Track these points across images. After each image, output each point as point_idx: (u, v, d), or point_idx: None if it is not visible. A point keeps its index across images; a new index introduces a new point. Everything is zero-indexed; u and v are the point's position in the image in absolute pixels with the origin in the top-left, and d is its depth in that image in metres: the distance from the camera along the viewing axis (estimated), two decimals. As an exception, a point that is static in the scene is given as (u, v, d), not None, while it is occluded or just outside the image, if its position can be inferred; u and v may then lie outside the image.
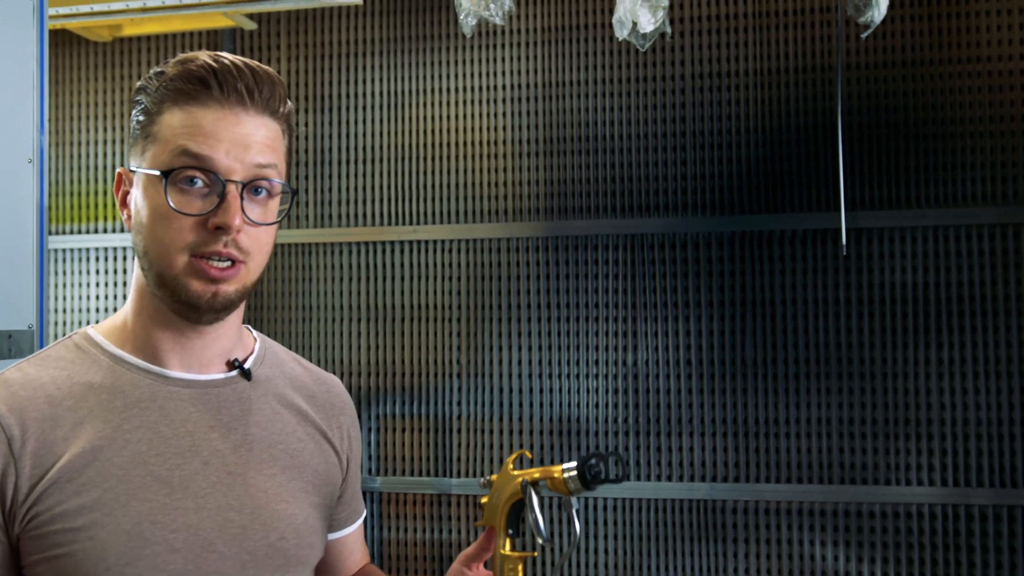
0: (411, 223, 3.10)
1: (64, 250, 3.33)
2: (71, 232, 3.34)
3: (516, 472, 1.13)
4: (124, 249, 3.29)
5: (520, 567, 1.13)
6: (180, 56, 1.07)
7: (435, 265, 3.08)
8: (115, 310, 3.26)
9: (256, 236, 1.07)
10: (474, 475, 3.00)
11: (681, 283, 2.92)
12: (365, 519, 1.39)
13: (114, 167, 3.32)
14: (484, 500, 1.15)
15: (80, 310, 3.31)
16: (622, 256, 2.96)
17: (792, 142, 2.88)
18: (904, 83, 2.82)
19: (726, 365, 2.87)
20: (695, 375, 2.89)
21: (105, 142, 3.34)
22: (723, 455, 2.85)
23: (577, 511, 1.13)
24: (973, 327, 2.74)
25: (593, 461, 1.11)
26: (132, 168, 1.07)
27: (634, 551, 2.89)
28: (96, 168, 3.33)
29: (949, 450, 2.73)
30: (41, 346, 2.42)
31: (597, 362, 2.96)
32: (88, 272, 3.31)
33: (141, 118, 1.06)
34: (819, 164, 2.85)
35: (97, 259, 3.31)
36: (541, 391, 2.98)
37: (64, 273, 3.34)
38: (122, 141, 3.32)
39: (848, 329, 2.80)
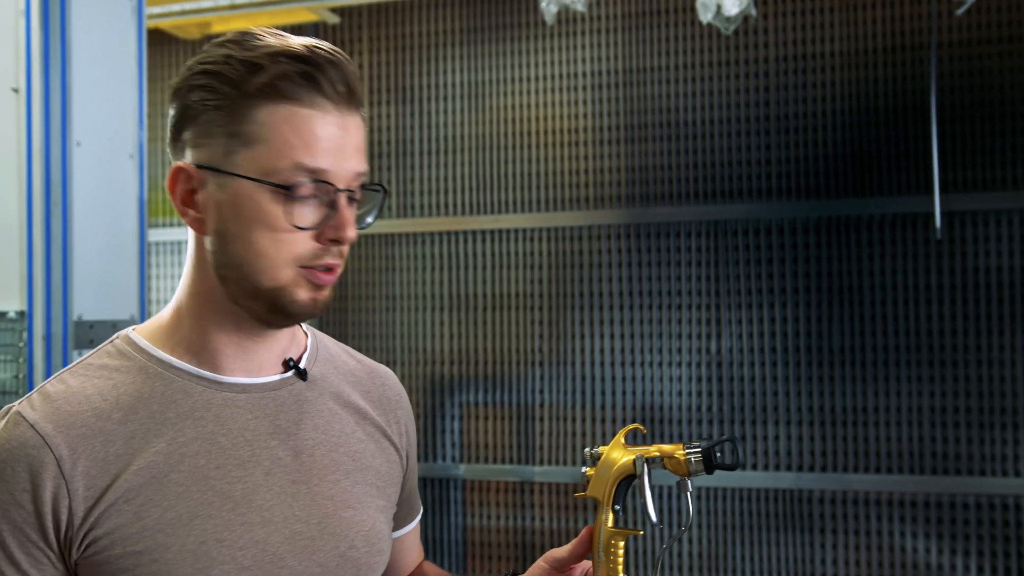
0: (493, 212, 3.12)
1: (160, 243, 3.45)
2: (166, 226, 3.44)
3: (631, 447, 1.08)
4: (215, 241, 3.38)
5: (622, 544, 1.08)
6: (249, 35, 0.97)
7: (518, 254, 3.10)
8: (208, 300, 3.36)
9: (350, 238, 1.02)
10: (557, 463, 3.01)
11: (766, 270, 2.88)
12: (431, 511, 1.34)
13: (205, 161, 3.41)
14: (590, 472, 1.10)
15: (175, 300, 3.41)
16: (706, 243, 2.93)
17: (882, 124, 2.81)
18: (999, 61, 2.73)
19: (812, 353, 2.82)
20: (780, 363, 2.85)
21: (196, 137, 3.44)
22: (810, 444, 2.81)
23: (692, 494, 1.07)
24: (1074, 313, 2.64)
25: (721, 445, 1.07)
26: (210, 166, 0.96)
27: (719, 541, 2.87)
28: (188, 162, 3.43)
29: (1048, 440, 2.64)
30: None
31: (680, 350, 2.94)
32: (182, 264, 3.41)
33: (218, 112, 0.95)
34: (910, 146, 2.78)
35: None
36: (624, 379, 2.98)
37: (160, 265, 3.46)
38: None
39: (940, 315, 2.73)
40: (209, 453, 0.98)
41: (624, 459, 1.07)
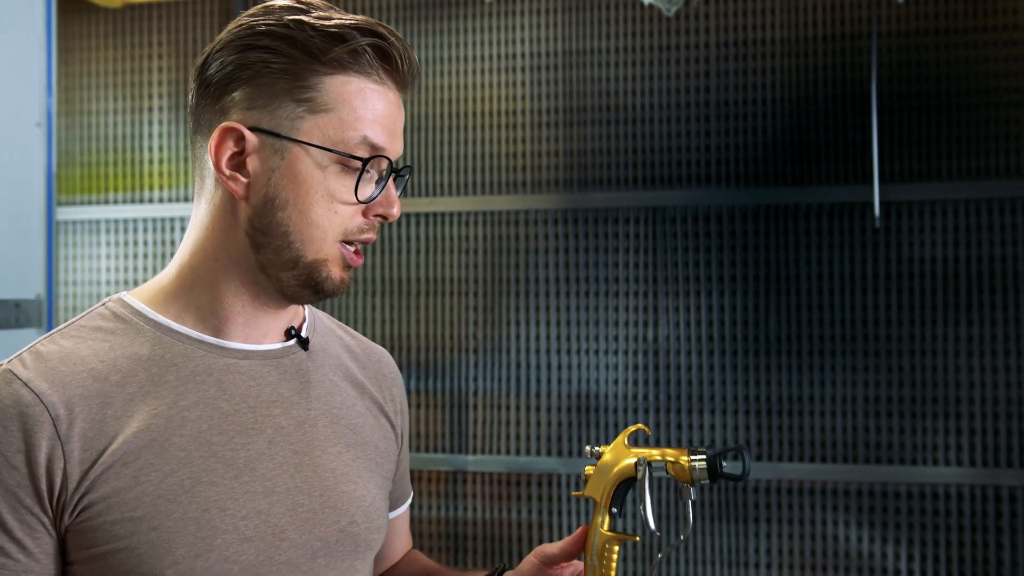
0: (428, 195, 3.04)
1: (74, 222, 3.28)
2: (81, 204, 3.28)
3: (633, 449, 1.05)
4: (135, 220, 3.23)
5: (617, 549, 1.05)
6: (308, 5, 0.96)
7: (452, 238, 3.02)
8: (127, 282, 3.22)
9: None
10: (491, 452, 2.95)
11: (704, 257, 2.85)
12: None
13: (126, 137, 3.26)
14: (589, 471, 1.07)
15: (91, 282, 3.26)
16: (644, 229, 2.90)
17: (821, 113, 2.80)
18: (940, 52, 2.74)
19: (749, 341, 2.81)
20: (717, 351, 2.83)
21: (116, 111, 3.28)
22: (745, 433, 2.80)
23: (694, 502, 1.04)
24: (1005, 304, 2.67)
25: (729, 454, 1.03)
26: (270, 131, 0.93)
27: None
28: (107, 138, 3.27)
29: (978, 429, 2.67)
30: (50, 317, 2.37)
31: (617, 338, 2.90)
32: (99, 244, 3.26)
33: (282, 76, 0.92)
34: (849, 135, 2.78)
35: (108, 231, 3.25)
36: (560, 367, 2.93)
37: (74, 245, 3.29)
38: (133, 110, 3.26)
39: (876, 305, 2.74)
40: (211, 418, 0.95)
41: (625, 461, 1.03)
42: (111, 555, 0.89)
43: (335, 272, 0.98)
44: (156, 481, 0.90)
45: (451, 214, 3.02)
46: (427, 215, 3.04)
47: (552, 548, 1.05)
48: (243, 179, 0.95)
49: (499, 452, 2.95)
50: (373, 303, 3.07)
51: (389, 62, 0.95)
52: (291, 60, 0.92)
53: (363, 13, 3.10)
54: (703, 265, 2.85)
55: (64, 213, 3.26)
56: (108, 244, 3.25)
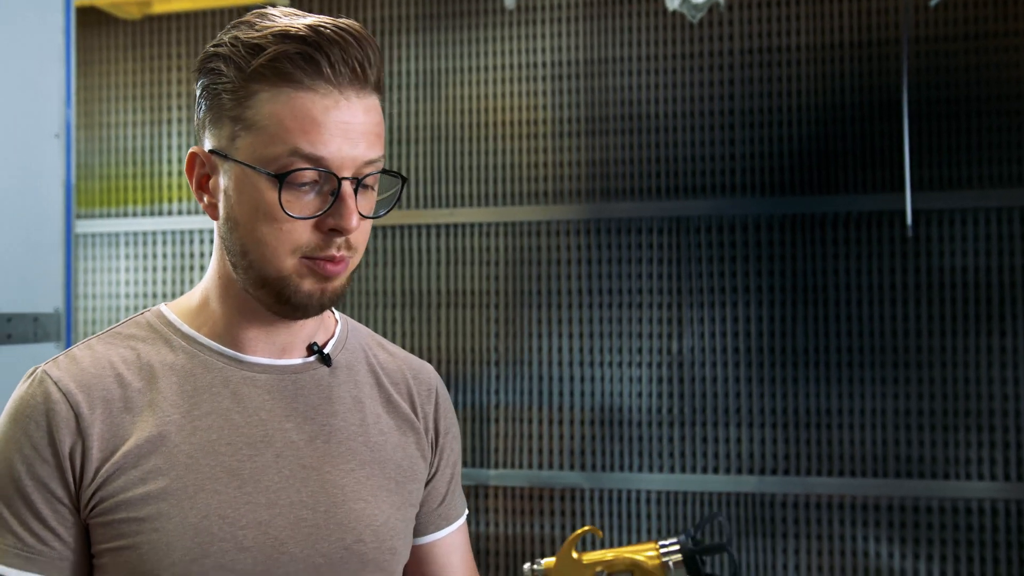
0: (449, 206, 3.01)
1: (93, 235, 3.27)
2: (101, 216, 3.27)
3: (587, 558, 0.90)
4: (154, 234, 3.22)
5: None
6: (260, 16, 0.95)
7: (473, 249, 2.99)
8: (146, 296, 3.20)
9: (363, 228, 0.98)
10: (512, 467, 2.91)
11: (729, 268, 2.81)
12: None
13: (144, 149, 3.25)
14: None
15: (111, 295, 3.24)
16: (667, 240, 2.86)
17: (851, 119, 2.75)
18: (973, 56, 2.69)
19: (776, 353, 2.76)
20: (743, 363, 2.78)
21: (135, 124, 3.27)
22: (772, 447, 2.75)
23: None
24: (1040, 314, 2.61)
25: (702, 538, 0.87)
26: (218, 152, 0.95)
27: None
28: (126, 151, 3.26)
29: (1012, 443, 2.61)
30: (68, 331, 2.35)
31: (641, 350, 2.86)
32: (118, 257, 3.25)
33: (225, 96, 0.94)
34: (879, 142, 2.73)
35: (127, 244, 3.24)
36: (582, 380, 2.89)
37: (94, 258, 3.28)
38: (152, 123, 3.25)
39: (906, 316, 2.69)
40: (221, 429, 0.97)
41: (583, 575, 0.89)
42: (118, 552, 0.93)
43: (304, 285, 0.96)
44: (161, 485, 0.93)
45: (472, 225, 2.99)
46: (448, 226, 3.01)
47: None
48: (212, 200, 0.98)
49: (521, 466, 2.91)
50: (393, 315, 3.04)
51: (317, 66, 0.91)
52: (228, 79, 0.93)
53: (380, 23, 3.08)
54: (728, 275, 2.80)
55: (83, 226, 3.25)
56: (127, 257, 3.24)
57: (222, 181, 0.96)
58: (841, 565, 2.69)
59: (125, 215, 3.25)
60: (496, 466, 2.92)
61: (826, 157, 2.76)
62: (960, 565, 2.62)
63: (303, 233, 0.94)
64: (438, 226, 3.02)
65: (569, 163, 2.94)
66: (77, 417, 0.93)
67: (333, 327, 1.11)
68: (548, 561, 0.90)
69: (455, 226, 3.01)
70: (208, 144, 0.97)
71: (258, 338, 1.02)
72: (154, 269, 3.21)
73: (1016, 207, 2.63)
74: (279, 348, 1.03)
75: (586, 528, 0.93)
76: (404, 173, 3.05)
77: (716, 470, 2.77)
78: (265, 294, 0.97)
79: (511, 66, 2.98)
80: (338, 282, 0.98)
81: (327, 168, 0.92)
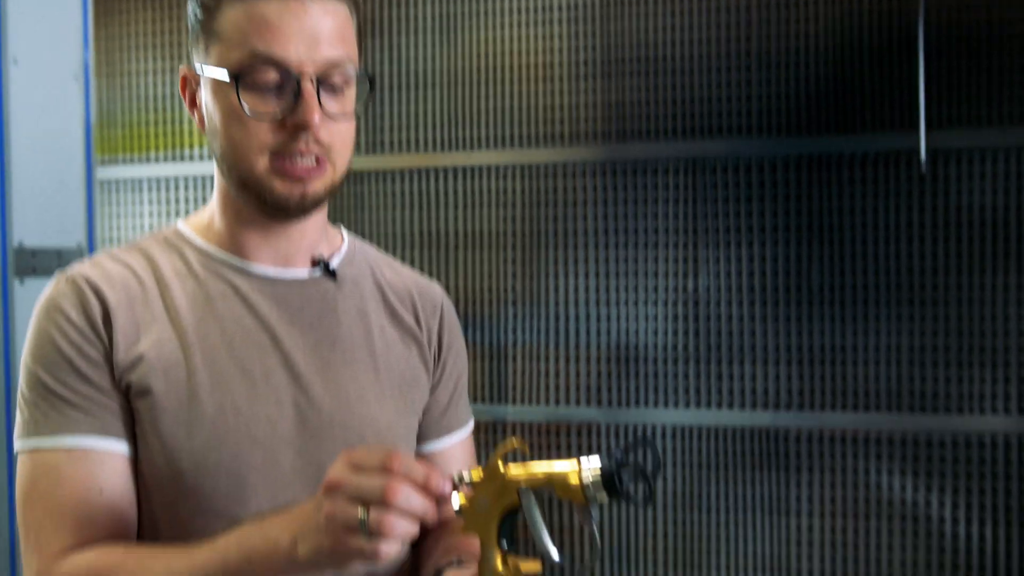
0: (465, 149, 3.04)
1: (117, 181, 3.31)
2: (123, 163, 3.31)
3: (511, 472, 0.87)
4: (176, 179, 3.26)
5: None
6: None
7: (490, 191, 3.02)
8: (168, 238, 3.24)
9: (336, 130, 1.03)
10: (530, 403, 2.95)
11: (745, 208, 2.82)
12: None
13: (165, 96, 3.28)
14: (463, 503, 0.89)
15: (133, 239, 3.29)
16: (684, 180, 2.87)
17: (866, 57, 2.75)
18: (987, -8, 2.67)
19: (791, 291, 2.78)
20: (758, 302, 2.81)
21: (156, 72, 3.29)
22: (787, 382, 2.78)
23: (596, 523, 0.87)
24: (1055, 249, 2.62)
25: (625, 459, 0.84)
26: (197, 68, 1.04)
27: (693, 480, 2.84)
28: (147, 98, 3.29)
29: (1026, 378, 2.63)
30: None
31: (656, 289, 2.88)
32: (141, 203, 3.29)
33: (199, 14, 1.02)
34: (894, 80, 2.73)
35: (150, 189, 3.28)
36: (598, 318, 2.92)
37: (117, 203, 3.32)
38: (172, 70, 3.28)
39: (921, 254, 2.70)
40: (234, 332, 1.04)
41: (506, 489, 0.88)
42: (142, 437, 0.99)
43: (277, 187, 1.02)
44: (182, 379, 1.00)
45: (488, 167, 3.01)
46: (464, 168, 3.03)
47: None
48: (200, 115, 1.07)
49: (538, 403, 2.96)
50: (411, 256, 3.07)
51: None
52: (201, 2, 1.02)
53: (400, -34, 3.09)
54: (744, 216, 2.82)
55: (106, 172, 3.29)
56: (150, 202, 3.28)
57: (203, 94, 1.04)
58: (854, 498, 2.73)
59: (147, 161, 3.29)
60: (514, 402, 2.96)
61: (842, 96, 2.76)
62: (972, 498, 2.65)
63: (269, 132, 0.99)
64: (455, 168, 3.04)
65: (585, 105, 2.95)
66: (103, 304, 1.00)
67: (340, 244, 1.19)
68: (475, 471, 0.89)
69: (472, 168, 3.03)
70: (195, 61, 1.05)
71: (259, 245, 1.08)
72: (176, 213, 3.26)
73: (1033, 143, 2.63)
74: (282, 257, 1.09)
75: (512, 442, 0.90)
76: (420, 117, 3.08)
77: (731, 405, 2.81)
78: (248, 197, 1.04)
79: (526, 9, 2.99)
80: (317, 185, 1.03)
81: (284, 65, 0.97)
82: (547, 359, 2.96)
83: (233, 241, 1.09)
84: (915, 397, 2.69)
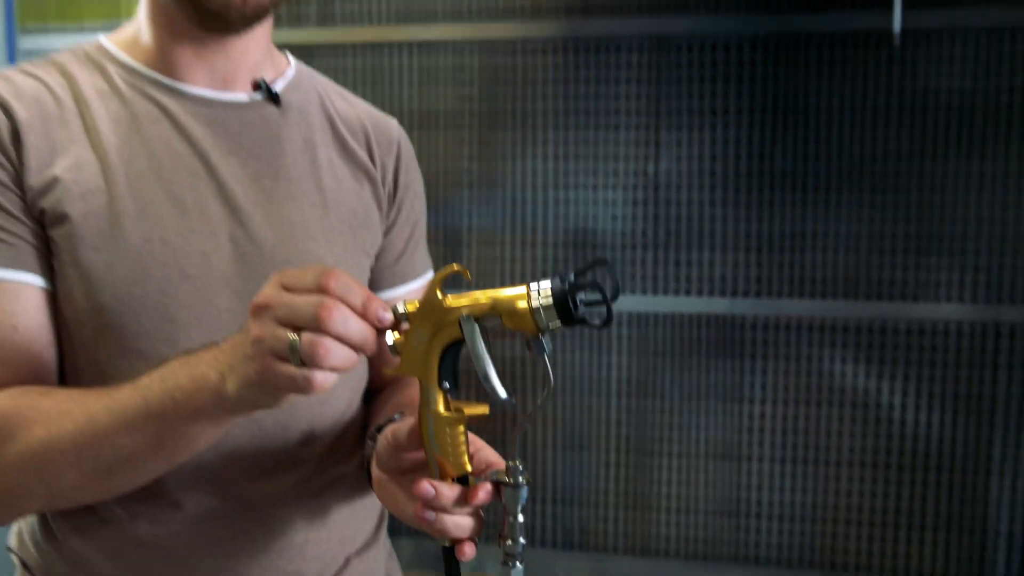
0: (421, 22, 2.89)
1: (44, 51, 3.12)
2: (52, 32, 3.11)
3: (450, 300, 0.76)
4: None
5: (462, 430, 0.79)
6: None
7: (447, 68, 2.89)
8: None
9: None
10: (484, 286, 2.89)
11: (710, 89, 2.73)
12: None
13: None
14: (397, 339, 0.77)
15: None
16: (647, 59, 2.77)
17: (841, -70, 2.63)
18: None
19: (753, 176, 2.73)
20: (720, 186, 2.75)
21: (87, -68, 3.07)
22: (745, 269, 2.75)
23: (549, 355, 0.75)
24: (1019, 136, 2.58)
25: (579, 280, 0.73)
26: None
27: (649, 367, 2.83)
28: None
29: (983, 266, 2.62)
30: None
31: (617, 172, 2.81)
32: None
33: None
34: (868, -44, 2.62)
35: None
36: (557, 202, 2.85)
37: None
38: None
39: (887, 139, 2.65)
40: (162, 156, 0.93)
41: (446, 319, 0.77)
42: (60, 270, 0.90)
43: None
44: (102, 203, 0.90)
45: (445, 43, 2.88)
46: (420, 44, 2.89)
47: (400, 435, 0.83)
48: None
49: (495, 288, 2.89)
50: (364, 135, 2.95)
51: None
52: None
53: None
54: (708, 97, 2.74)
55: (31, 42, 3.10)
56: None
57: None
58: (807, 385, 2.74)
59: (80, 31, 3.10)
60: (468, 287, 2.90)
61: (815, -30, 2.65)
62: (923, 385, 2.68)
63: None
64: (411, 44, 2.90)
65: (547, -24, 2.80)
66: (12, 121, 0.89)
67: (285, 68, 1.06)
68: (411, 303, 0.77)
69: (428, 44, 2.89)
70: None
71: (193, 63, 0.96)
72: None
73: (1008, 27, 2.56)
74: (220, 78, 0.98)
75: (452, 267, 0.78)
76: (374, -15, 2.91)
77: (688, 292, 2.78)
78: (181, 3, 0.92)
79: None
80: None
81: None
82: (503, 244, 2.89)
83: (163, 58, 0.96)
84: (872, 284, 2.68)
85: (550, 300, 0.74)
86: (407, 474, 0.84)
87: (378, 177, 1.06)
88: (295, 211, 0.98)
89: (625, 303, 2.80)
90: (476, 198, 2.89)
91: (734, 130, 2.72)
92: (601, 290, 0.73)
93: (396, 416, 0.94)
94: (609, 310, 0.74)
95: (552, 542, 2.91)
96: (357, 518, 1.06)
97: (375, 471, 0.89)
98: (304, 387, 0.72)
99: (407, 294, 1.11)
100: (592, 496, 2.89)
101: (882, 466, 2.71)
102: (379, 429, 0.93)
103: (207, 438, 0.83)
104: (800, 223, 2.71)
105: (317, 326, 0.71)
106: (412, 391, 1.04)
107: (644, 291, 2.81)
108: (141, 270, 0.89)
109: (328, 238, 0.99)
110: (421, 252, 1.15)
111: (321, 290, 0.72)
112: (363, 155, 1.05)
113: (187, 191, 0.93)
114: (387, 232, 1.08)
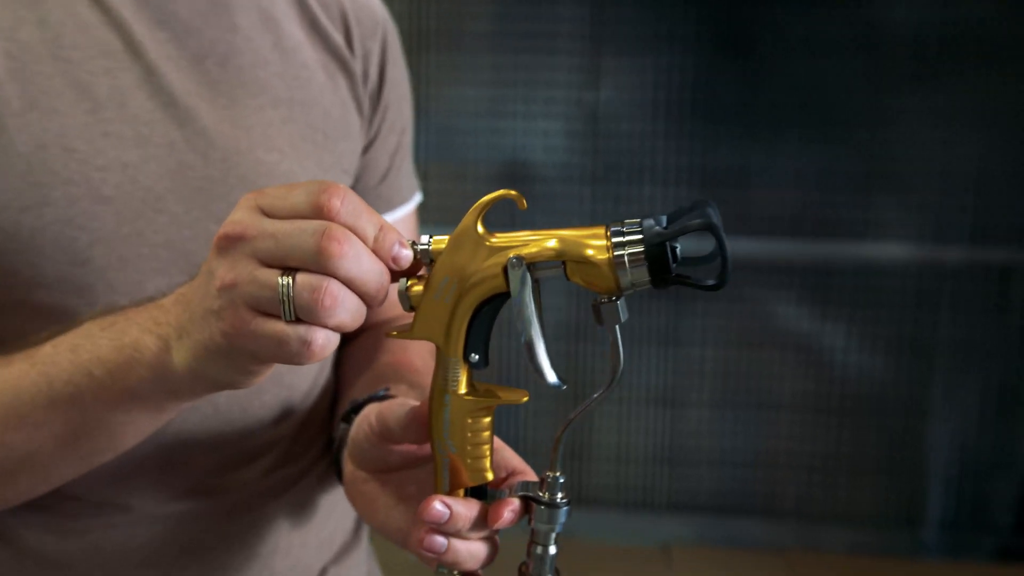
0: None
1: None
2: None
3: (498, 238, 0.55)
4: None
5: (488, 422, 0.58)
6: None
7: (366, -19, 2.62)
8: None
9: None
10: (410, 224, 2.68)
11: (653, 12, 2.55)
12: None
13: None
14: (414, 288, 0.56)
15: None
16: (587, -22, 2.57)
17: None
18: None
19: (698, 107, 2.58)
20: (663, 117, 2.59)
21: None
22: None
23: (621, 326, 0.56)
24: (976, 71, 2.49)
25: (681, 223, 0.52)
26: None
27: (584, 309, 2.68)
28: None
29: (930, 205, 2.55)
30: None
31: (554, 100, 2.61)
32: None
33: None
34: None
35: None
36: (488, 132, 2.64)
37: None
38: None
39: (839, 71, 2.52)
40: (63, 25, 0.65)
41: (487, 264, 0.55)
42: None
43: None
44: None
45: (365, -48, 2.61)
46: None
47: (391, 419, 0.61)
48: None
49: (421, 224, 2.69)
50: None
51: None
52: None
53: None
54: (651, 21, 2.56)
55: None
56: None
57: None
58: (748, 328, 2.64)
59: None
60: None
61: None
62: (865, 327, 2.61)
63: None
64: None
65: None
66: None
67: None
68: (437, 240, 0.55)
69: (345, -48, 2.61)
70: None
71: None
72: None
73: (965, -48, 2.45)
74: None
75: (505, 193, 0.57)
76: None
77: (629, 230, 2.64)
78: None
79: None
80: None
81: None
82: (429, 178, 2.68)
83: None
84: (818, 223, 2.58)
85: (640, 249, 0.54)
86: (392, 472, 0.64)
87: (358, 70, 0.80)
88: (253, 110, 0.72)
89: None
90: (400, 126, 2.66)
91: (678, 56, 2.56)
92: (718, 235, 0.53)
93: (381, 391, 0.72)
94: (725, 264, 0.54)
95: (482, 493, 2.77)
96: (336, 515, 0.85)
97: (347, 465, 0.67)
98: (298, 353, 0.50)
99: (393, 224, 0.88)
100: (525, 445, 2.75)
101: (822, 410, 2.65)
102: (356, 408, 0.70)
103: (139, 431, 0.61)
104: (745, 158, 2.58)
105: (320, 264, 0.50)
106: (404, 356, 0.81)
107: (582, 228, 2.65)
108: (35, 191, 0.63)
109: (296, 148, 0.74)
110: (407, 170, 0.93)
111: (321, 213, 0.51)
112: (338, 39, 0.79)
113: (99, 77, 0.66)
114: (369, 144, 0.84)
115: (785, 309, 2.62)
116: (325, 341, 0.51)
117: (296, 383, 0.77)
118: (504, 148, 2.64)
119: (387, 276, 0.53)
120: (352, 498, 0.66)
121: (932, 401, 2.60)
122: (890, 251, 2.56)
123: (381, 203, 0.87)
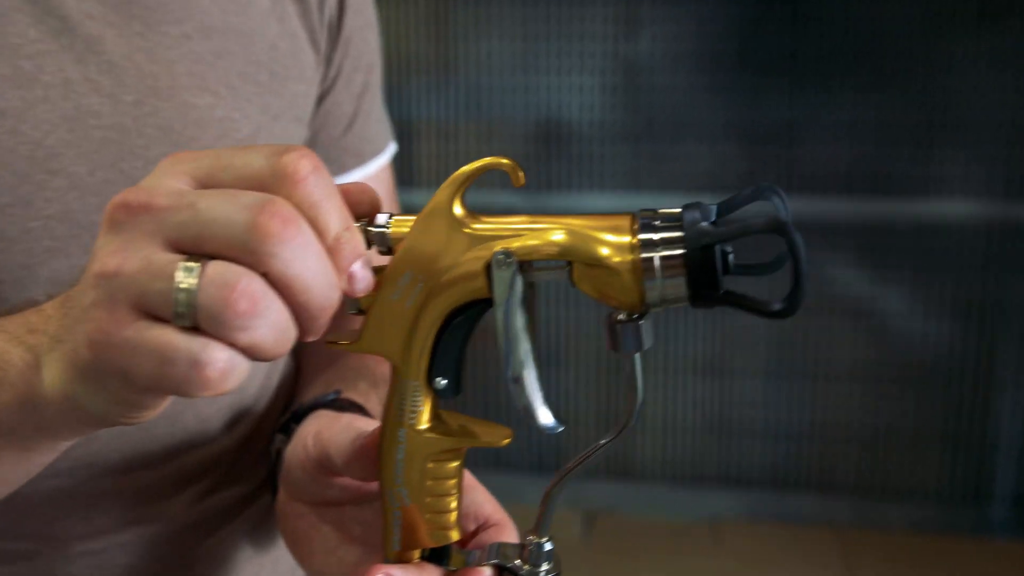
0: None
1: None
2: None
3: (482, 223, 0.42)
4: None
5: (455, 467, 0.46)
6: None
7: (391, -66, 2.54)
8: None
9: None
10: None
11: (693, -43, 2.44)
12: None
13: None
14: (364, 300, 0.43)
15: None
16: (622, -77, 2.46)
17: None
18: None
19: (741, 58, 2.45)
20: (705, 70, 2.47)
21: None
22: (733, 164, 2.50)
23: (645, 352, 0.42)
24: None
25: (737, 224, 0.39)
26: None
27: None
28: None
29: (999, 157, 2.40)
30: None
31: (587, 54, 2.50)
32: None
33: None
34: None
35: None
36: (520, 90, 2.55)
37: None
38: None
39: (892, 16, 2.39)
40: None
41: (464, 258, 0.41)
42: None
43: None
44: None
45: (389, -96, 2.53)
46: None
47: (332, 448, 0.50)
48: None
49: (451, 187, 2.61)
50: (297, 13, 2.60)
51: None
52: None
53: None
54: (692, -33, 2.44)
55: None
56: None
57: None
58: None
59: None
60: (424, 186, 2.61)
61: None
62: (927, 291, 2.47)
63: None
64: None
65: None
66: None
67: None
68: (399, 219, 0.42)
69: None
70: None
71: None
72: None
73: None
74: None
75: (495, 161, 0.43)
76: None
77: (669, 189, 2.53)
78: None
79: None
80: None
81: None
82: (459, 137, 2.59)
83: None
84: (873, 180, 2.45)
85: (678, 252, 0.39)
86: (331, 507, 0.51)
87: (312, 5, 0.66)
88: (174, 39, 0.58)
89: (600, 202, 2.56)
90: (429, 85, 2.58)
91: (720, 6, 2.43)
92: (791, 239, 0.38)
93: (331, 395, 0.58)
94: (799, 282, 0.39)
95: (522, 465, 2.68)
96: None
97: (280, 492, 0.55)
98: (186, 378, 0.36)
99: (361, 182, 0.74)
100: (569, 415, 2.67)
101: (881, 380, 2.52)
102: (298, 416, 0.57)
103: (16, 472, 0.46)
104: (792, 111, 2.44)
105: (249, 248, 0.36)
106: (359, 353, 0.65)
107: (621, 188, 2.56)
108: None
109: (234, 91, 0.60)
110: (378, 116, 0.76)
111: (284, 184, 0.37)
112: None
113: None
114: (331, 87, 0.70)
115: (841, 272, 2.49)
116: (227, 366, 0.36)
117: (243, 382, 0.64)
118: (537, 106, 2.55)
119: (337, 293, 0.38)
120: (283, 533, 0.54)
121: (1000, 369, 2.46)
122: (954, 209, 2.42)
123: (348, 157, 0.72)
